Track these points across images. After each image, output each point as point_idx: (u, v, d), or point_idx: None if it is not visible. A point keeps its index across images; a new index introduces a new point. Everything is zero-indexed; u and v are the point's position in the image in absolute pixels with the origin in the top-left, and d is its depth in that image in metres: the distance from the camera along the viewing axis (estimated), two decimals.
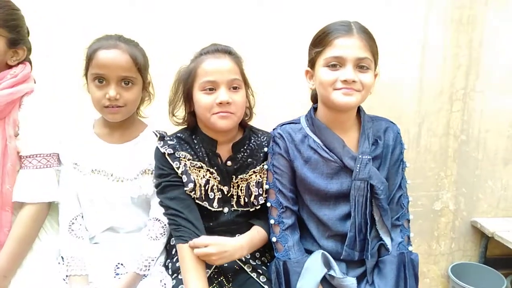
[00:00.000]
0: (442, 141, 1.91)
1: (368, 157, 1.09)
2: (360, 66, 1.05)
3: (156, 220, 1.21)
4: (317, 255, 1.10)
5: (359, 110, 1.17)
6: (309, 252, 1.15)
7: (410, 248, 1.14)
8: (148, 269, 1.15)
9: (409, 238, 1.16)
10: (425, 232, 1.99)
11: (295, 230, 1.15)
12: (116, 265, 1.17)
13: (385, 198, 1.10)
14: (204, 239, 1.08)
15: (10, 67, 1.16)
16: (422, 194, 1.94)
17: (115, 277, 1.15)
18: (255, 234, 1.17)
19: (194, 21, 1.64)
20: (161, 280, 1.14)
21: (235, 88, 1.11)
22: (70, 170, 1.20)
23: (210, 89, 1.09)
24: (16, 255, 1.09)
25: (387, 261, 1.11)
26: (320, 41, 1.10)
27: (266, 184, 1.17)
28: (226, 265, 1.16)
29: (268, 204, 1.16)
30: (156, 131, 1.22)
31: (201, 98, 1.10)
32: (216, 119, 1.09)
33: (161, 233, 1.21)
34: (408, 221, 1.17)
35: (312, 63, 1.13)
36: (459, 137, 1.92)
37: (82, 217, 1.22)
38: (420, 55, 1.82)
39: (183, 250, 1.09)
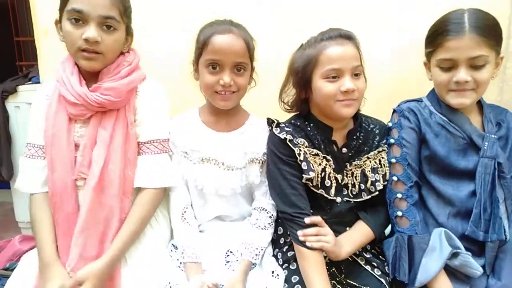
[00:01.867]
0: None
1: (495, 136, 1.11)
2: (473, 64, 1.05)
3: (263, 210, 1.21)
4: (439, 233, 1.07)
5: None
6: None
7: None
8: (259, 258, 1.15)
9: None
10: None
11: (419, 207, 1.14)
12: (226, 253, 1.17)
13: (510, 179, 1.10)
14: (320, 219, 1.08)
15: (122, 54, 1.16)
16: None
17: (225, 264, 1.15)
18: (361, 234, 1.15)
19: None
20: (273, 271, 1.13)
21: (356, 74, 1.09)
22: (180, 159, 1.20)
23: (333, 77, 1.07)
24: (132, 234, 1.10)
25: (508, 250, 1.10)
26: (432, 40, 1.11)
27: (392, 158, 1.16)
28: None
29: (395, 179, 1.14)
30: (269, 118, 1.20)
31: (324, 86, 1.08)
32: (340, 107, 1.08)
33: (269, 223, 1.21)
34: None
35: (427, 58, 1.15)
36: None
37: (192, 206, 1.23)
38: None
39: (303, 252, 1.07)
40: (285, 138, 1.11)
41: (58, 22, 1.10)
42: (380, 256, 1.18)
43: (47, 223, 1.09)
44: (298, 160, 1.10)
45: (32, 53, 3.03)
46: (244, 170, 1.20)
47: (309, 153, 1.12)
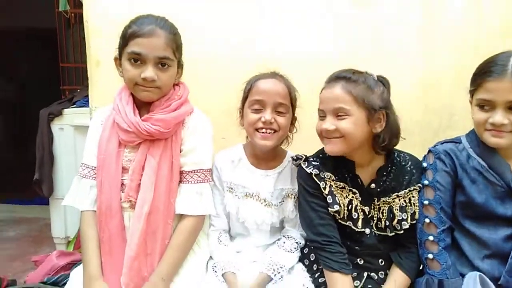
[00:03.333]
0: None
1: None
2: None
3: (290, 237, 1.30)
4: (473, 277, 1.06)
5: None
6: (461, 275, 1.11)
7: None
8: (279, 275, 1.20)
9: None
10: None
11: (451, 251, 1.14)
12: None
13: None
14: None
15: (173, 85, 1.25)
16: None
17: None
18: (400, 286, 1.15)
19: None
20: (303, 284, 1.19)
21: (339, 115, 1.11)
22: (225, 193, 1.30)
23: (321, 116, 1.16)
24: (175, 261, 1.16)
25: None
26: (474, 80, 1.13)
27: (425, 200, 1.16)
28: None
29: (427, 221, 1.14)
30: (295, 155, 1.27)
31: (317, 123, 1.18)
32: (325, 143, 1.17)
33: (295, 247, 1.29)
34: None
35: (471, 95, 1.16)
36: None
37: (228, 232, 1.34)
38: None
39: (333, 278, 1.12)
40: (311, 173, 1.17)
41: (118, 59, 1.21)
42: None
43: (94, 241, 1.17)
44: (323, 194, 1.16)
45: (76, 78, 3.28)
46: (281, 205, 1.28)
47: (336, 187, 1.17)
